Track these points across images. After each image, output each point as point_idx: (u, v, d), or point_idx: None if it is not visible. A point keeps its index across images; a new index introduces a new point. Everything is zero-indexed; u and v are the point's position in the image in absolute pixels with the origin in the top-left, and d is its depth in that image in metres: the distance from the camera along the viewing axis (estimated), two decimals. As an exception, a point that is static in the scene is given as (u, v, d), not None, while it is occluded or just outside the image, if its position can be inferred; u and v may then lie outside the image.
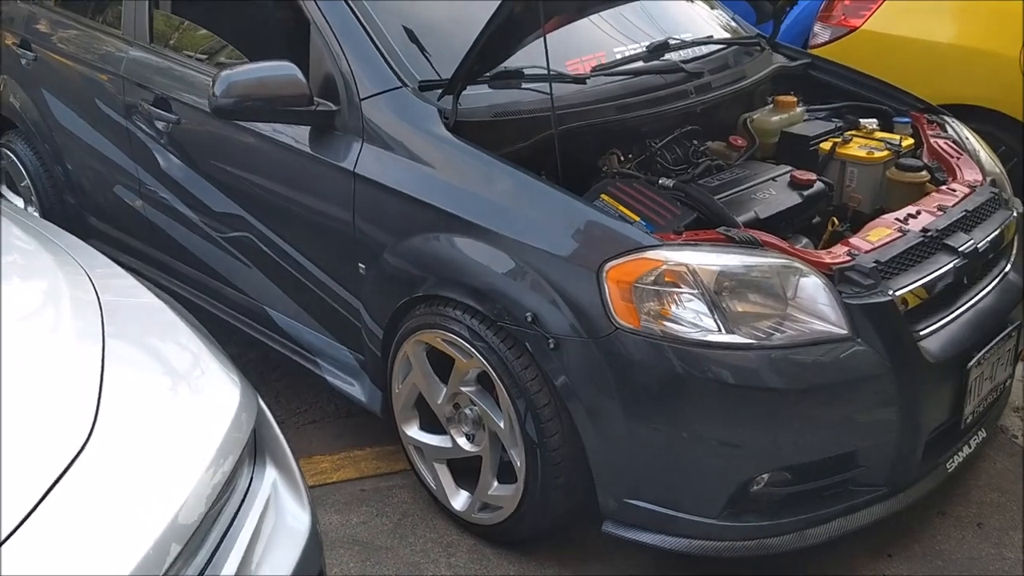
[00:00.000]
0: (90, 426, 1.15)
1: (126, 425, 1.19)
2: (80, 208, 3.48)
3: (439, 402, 2.34)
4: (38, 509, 1.03)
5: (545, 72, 2.23)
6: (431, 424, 2.42)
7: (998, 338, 2.25)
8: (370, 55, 2.35)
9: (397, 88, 2.31)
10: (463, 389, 2.27)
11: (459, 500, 2.39)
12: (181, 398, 1.32)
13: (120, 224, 3.30)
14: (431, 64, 2.41)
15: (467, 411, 2.30)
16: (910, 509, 2.21)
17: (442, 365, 2.32)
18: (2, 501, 1.03)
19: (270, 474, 1.33)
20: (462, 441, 2.34)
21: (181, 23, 3.04)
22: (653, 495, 2.05)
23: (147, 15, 3.00)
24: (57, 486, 1.06)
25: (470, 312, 2.17)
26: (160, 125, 2.90)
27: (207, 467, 1.16)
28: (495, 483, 2.28)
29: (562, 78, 2.39)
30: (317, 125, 2.41)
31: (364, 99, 2.33)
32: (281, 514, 1.30)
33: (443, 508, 2.43)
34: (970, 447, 2.33)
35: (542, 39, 2.18)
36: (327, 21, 2.41)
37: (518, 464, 2.16)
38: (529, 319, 2.03)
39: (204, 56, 2.90)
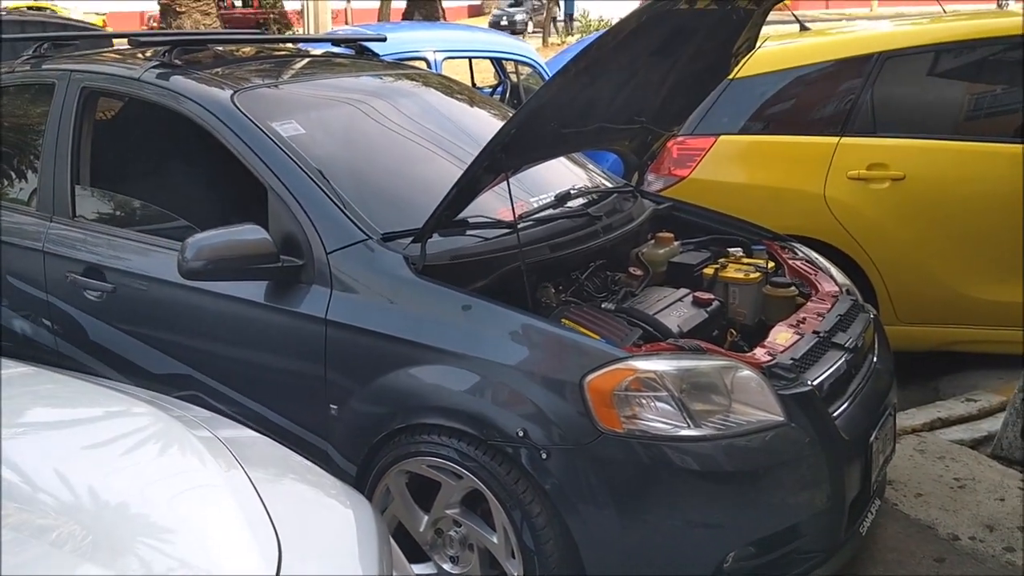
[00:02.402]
0: (275, 538, 1.27)
1: (302, 538, 1.31)
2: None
3: (421, 529, 2.48)
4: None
5: (496, 219, 2.56)
6: (409, 554, 2.53)
7: (884, 417, 2.71)
8: (333, 214, 2.58)
9: (363, 240, 2.54)
10: (447, 512, 2.43)
11: (447, 624, 2.49)
12: (330, 510, 1.44)
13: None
14: (380, 215, 2.66)
15: (452, 533, 2.45)
16: (841, 570, 2.56)
17: (416, 493, 2.47)
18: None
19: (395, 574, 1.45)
20: (447, 565, 2.47)
21: (104, 195, 3.12)
22: (644, 584, 2.28)
23: (69, 189, 3.07)
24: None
25: (456, 435, 2.36)
26: (91, 295, 2.93)
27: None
28: (486, 599, 2.42)
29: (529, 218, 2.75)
30: (283, 280, 2.58)
31: (331, 252, 2.54)
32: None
33: (431, 636, 2.52)
34: (872, 513, 2.74)
35: (490, 191, 2.52)
36: (286, 187, 2.62)
37: (515, 575, 2.32)
38: (520, 434, 2.25)
39: (137, 226, 2.99)
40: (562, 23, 29.23)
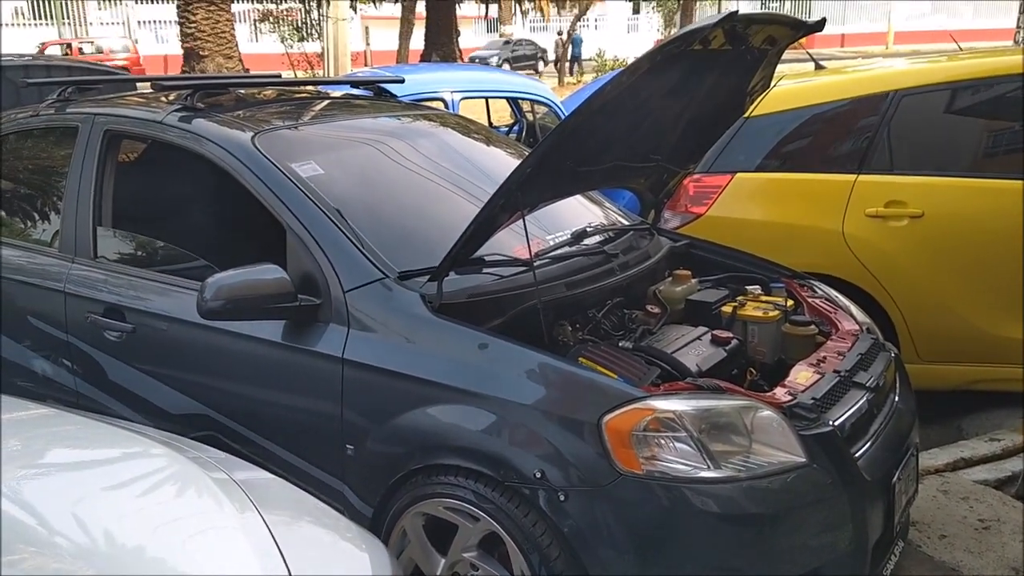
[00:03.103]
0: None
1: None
2: None
3: (438, 573, 2.45)
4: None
5: (512, 258, 2.57)
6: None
7: (906, 457, 2.67)
8: (350, 253, 2.59)
9: (380, 279, 2.55)
10: (464, 555, 2.40)
11: (465, 669, 2.45)
12: (345, 553, 1.43)
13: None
14: (397, 254, 2.67)
15: (469, 577, 2.42)
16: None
17: (433, 535, 2.45)
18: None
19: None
20: (464, 609, 2.44)
21: (125, 236, 3.15)
22: (663, 629, 2.24)
23: (91, 230, 3.10)
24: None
25: (473, 476, 2.34)
26: (111, 335, 2.95)
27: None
28: (503, 644, 2.38)
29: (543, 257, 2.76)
30: (301, 319, 2.58)
31: (348, 291, 2.54)
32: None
33: None
34: (896, 555, 2.69)
35: (506, 230, 2.52)
36: (304, 227, 2.64)
37: (534, 618, 2.29)
38: (538, 475, 2.23)
39: (157, 266, 3.02)
40: (569, 64, 30.02)
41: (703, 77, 2.84)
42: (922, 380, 3.91)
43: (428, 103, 5.26)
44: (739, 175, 4.50)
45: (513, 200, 2.48)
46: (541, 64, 33.75)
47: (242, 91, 3.59)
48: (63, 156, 3.34)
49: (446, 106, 5.81)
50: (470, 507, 2.34)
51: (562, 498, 2.22)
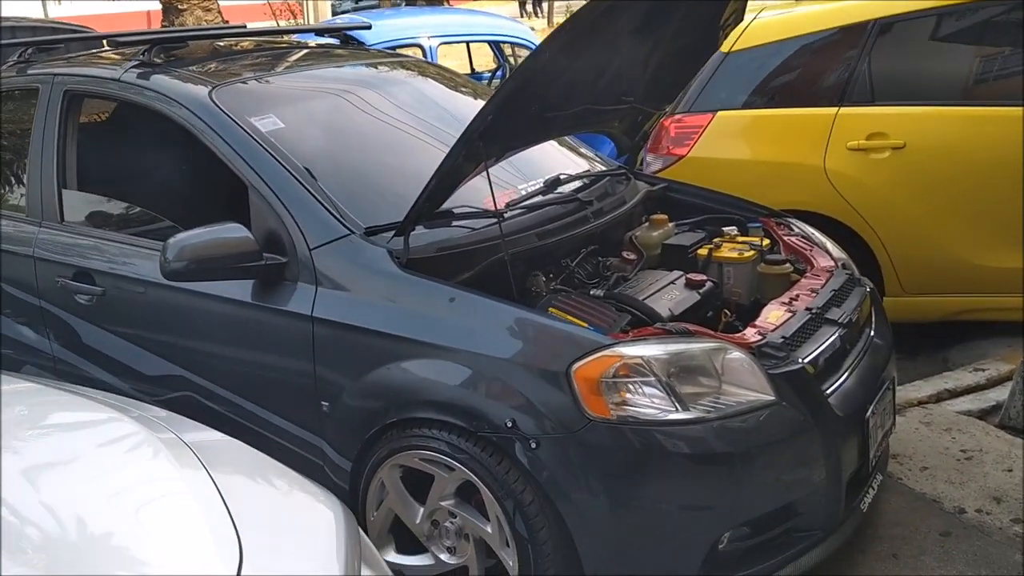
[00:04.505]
0: (236, 540, 1.26)
1: (265, 541, 1.31)
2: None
3: (418, 521, 2.48)
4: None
5: (481, 209, 2.54)
6: (407, 546, 2.53)
7: (881, 391, 2.67)
8: (314, 210, 2.56)
9: (346, 236, 2.52)
10: (442, 504, 2.42)
11: (446, 613, 2.49)
12: (296, 510, 1.43)
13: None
14: (363, 209, 2.64)
15: (447, 524, 2.44)
16: (840, 548, 2.53)
17: (413, 485, 2.47)
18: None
19: (365, 571, 1.45)
20: (444, 556, 2.46)
21: (91, 198, 3.12)
22: (639, 566, 2.26)
23: (56, 193, 3.07)
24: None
25: (446, 428, 2.34)
26: (82, 299, 2.93)
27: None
28: (483, 589, 2.41)
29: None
30: (268, 278, 2.56)
31: (314, 249, 2.52)
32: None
33: (430, 625, 2.52)
34: (874, 488, 2.71)
35: (477, 180, 2.49)
36: (266, 183, 2.60)
37: (510, 563, 2.32)
38: (509, 424, 2.24)
39: (124, 228, 2.99)
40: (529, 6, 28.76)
41: (671, 11, 2.77)
42: (907, 313, 3.91)
43: (404, 50, 5.17)
44: (720, 114, 4.44)
45: (475, 150, 2.44)
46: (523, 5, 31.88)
47: (214, 44, 3.52)
48: (26, 119, 3.29)
49: (423, 53, 5.71)
50: (445, 458, 2.35)
51: (534, 445, 2.22)
